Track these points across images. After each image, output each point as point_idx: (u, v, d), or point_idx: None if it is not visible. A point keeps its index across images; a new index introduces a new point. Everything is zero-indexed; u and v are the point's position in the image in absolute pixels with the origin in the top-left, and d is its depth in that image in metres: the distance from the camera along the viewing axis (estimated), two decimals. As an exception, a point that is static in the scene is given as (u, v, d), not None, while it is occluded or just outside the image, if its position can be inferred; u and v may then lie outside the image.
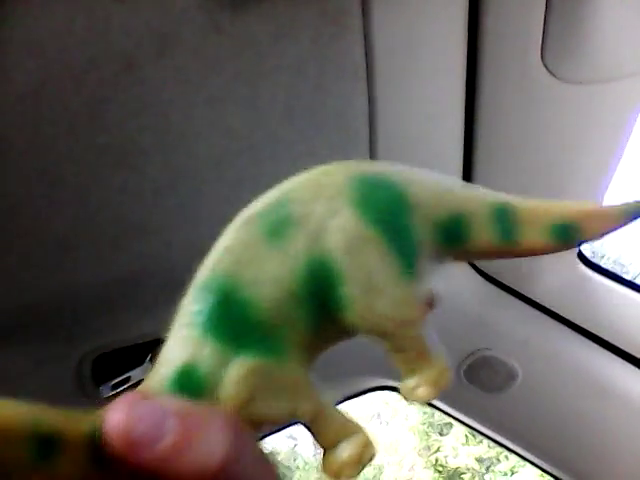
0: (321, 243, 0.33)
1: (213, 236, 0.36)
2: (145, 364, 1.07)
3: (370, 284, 0.34)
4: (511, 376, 1.26)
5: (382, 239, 0.34)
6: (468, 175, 1.04)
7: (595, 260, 1.23)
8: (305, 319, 0.34)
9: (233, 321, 0.32)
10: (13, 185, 0.77)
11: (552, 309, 1.24)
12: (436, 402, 1.36)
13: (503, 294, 1.25)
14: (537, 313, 1.24)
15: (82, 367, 1.05)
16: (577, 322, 1.23)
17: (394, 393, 1.40)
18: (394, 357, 0.37)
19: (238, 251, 0.33)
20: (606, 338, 1.22)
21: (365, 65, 0.80)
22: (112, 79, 0.70)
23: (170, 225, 0.90)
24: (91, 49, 0.67)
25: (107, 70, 0.69)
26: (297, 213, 0.34)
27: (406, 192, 0.36)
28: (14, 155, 0.74)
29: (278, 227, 0.34)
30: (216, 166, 0.83)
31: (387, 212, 0.35)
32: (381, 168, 0.38)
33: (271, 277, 0.33)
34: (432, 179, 0.39)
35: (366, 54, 0.79)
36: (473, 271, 1.24)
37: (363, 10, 0.75)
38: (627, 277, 1.23)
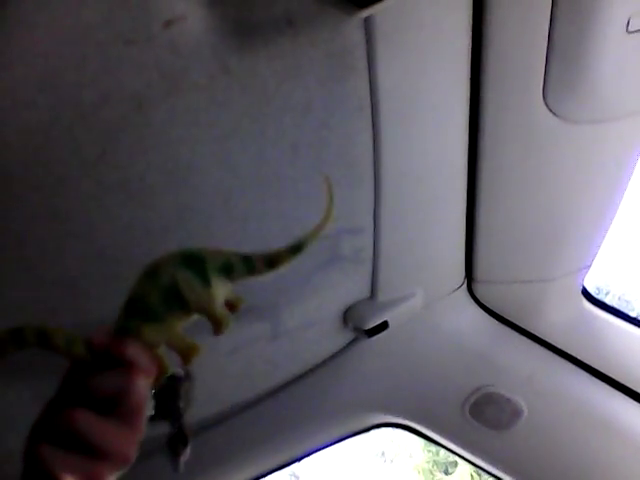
0: None
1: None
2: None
3: None
4: (516, 413, 1.25)
5: None
6: (471, 211, 1.05)
7: (600, 297, 1.23)
8: None
9: None
10: (21, 222, 0.78)
11: (556, 345, 1.24)
12: (441, 440, 1.35)
13: (507, 330, 1.25)
14: (541, 349, 1.24)
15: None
16: (581, 358, 1.23)
17: (399, 430, 1.39)
18: None
19: None
20: (611, 375, 1.21)
21: (370, 104, 0.82)
22: (122, 117, 0.72)
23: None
24: (102, 88, 0.69)
25: (117, 109, 0.71)
26: None
27: None
28: (22, 192, 0.75)
29: None
30: (223, 203, 0.84)
31: None
32: None
33: None
34: None
35: (371, 94, 0.81)
36: (476, 306, 1.24)
37: (368, 51, 0.77)
38: (632, 314, 1.23)
